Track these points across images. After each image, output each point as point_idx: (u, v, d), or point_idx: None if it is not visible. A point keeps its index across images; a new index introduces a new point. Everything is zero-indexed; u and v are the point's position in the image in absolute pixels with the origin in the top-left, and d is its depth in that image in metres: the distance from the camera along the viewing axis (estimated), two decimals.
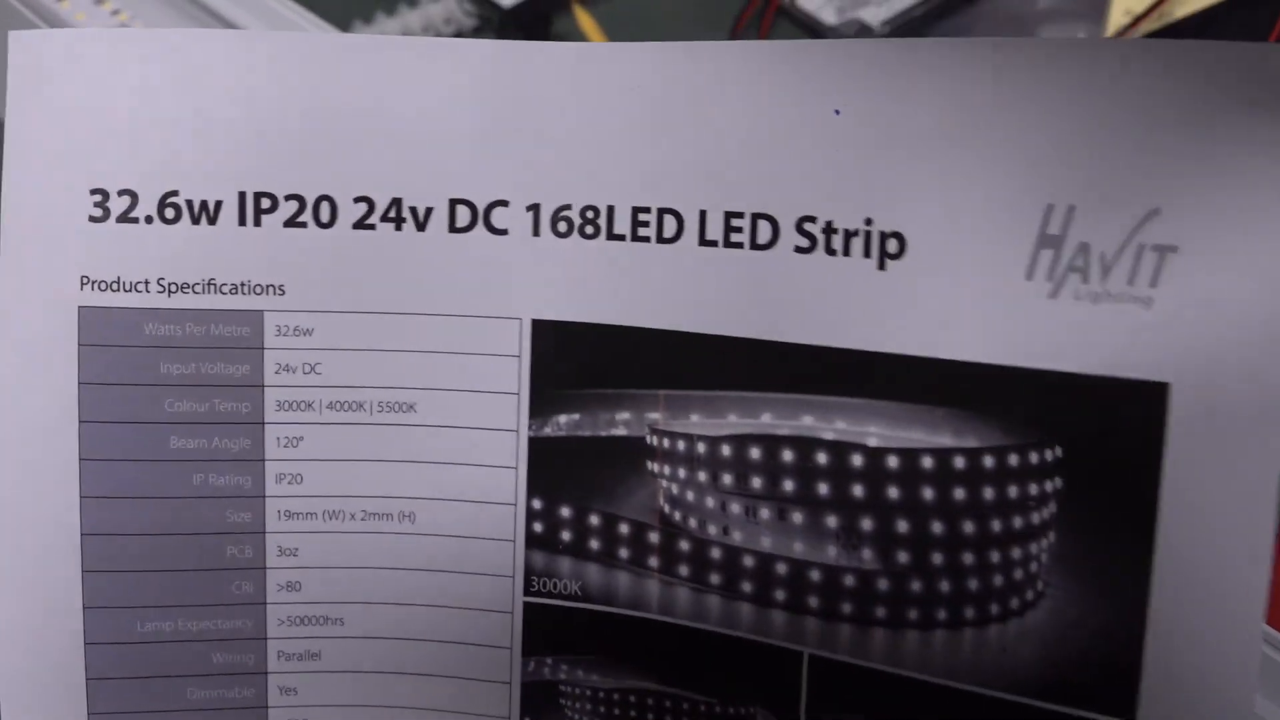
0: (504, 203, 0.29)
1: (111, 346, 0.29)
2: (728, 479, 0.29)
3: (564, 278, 0.29)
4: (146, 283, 0.29)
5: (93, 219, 0.29)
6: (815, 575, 0.28)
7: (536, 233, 0.29)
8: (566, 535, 0.30)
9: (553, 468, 0.30)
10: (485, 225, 0.29)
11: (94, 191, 0.29)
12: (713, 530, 0.29)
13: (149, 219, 0.29)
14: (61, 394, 0.29)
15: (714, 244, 0.28)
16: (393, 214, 0.29)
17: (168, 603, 0.30)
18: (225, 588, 0.30)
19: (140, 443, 0.29)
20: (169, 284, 0.29)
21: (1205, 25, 0.39)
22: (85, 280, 0.29)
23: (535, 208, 0.29)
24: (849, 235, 0.27)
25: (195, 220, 0.29)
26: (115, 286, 0.29)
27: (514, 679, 0.31)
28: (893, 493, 0.27)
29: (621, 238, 0.28)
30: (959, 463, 0.26)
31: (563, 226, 0.29)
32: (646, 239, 0.28)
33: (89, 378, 0.29)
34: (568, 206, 0.29)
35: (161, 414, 0.29)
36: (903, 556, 0.27)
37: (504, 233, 0.29)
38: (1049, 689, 0.26)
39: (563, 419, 0.30)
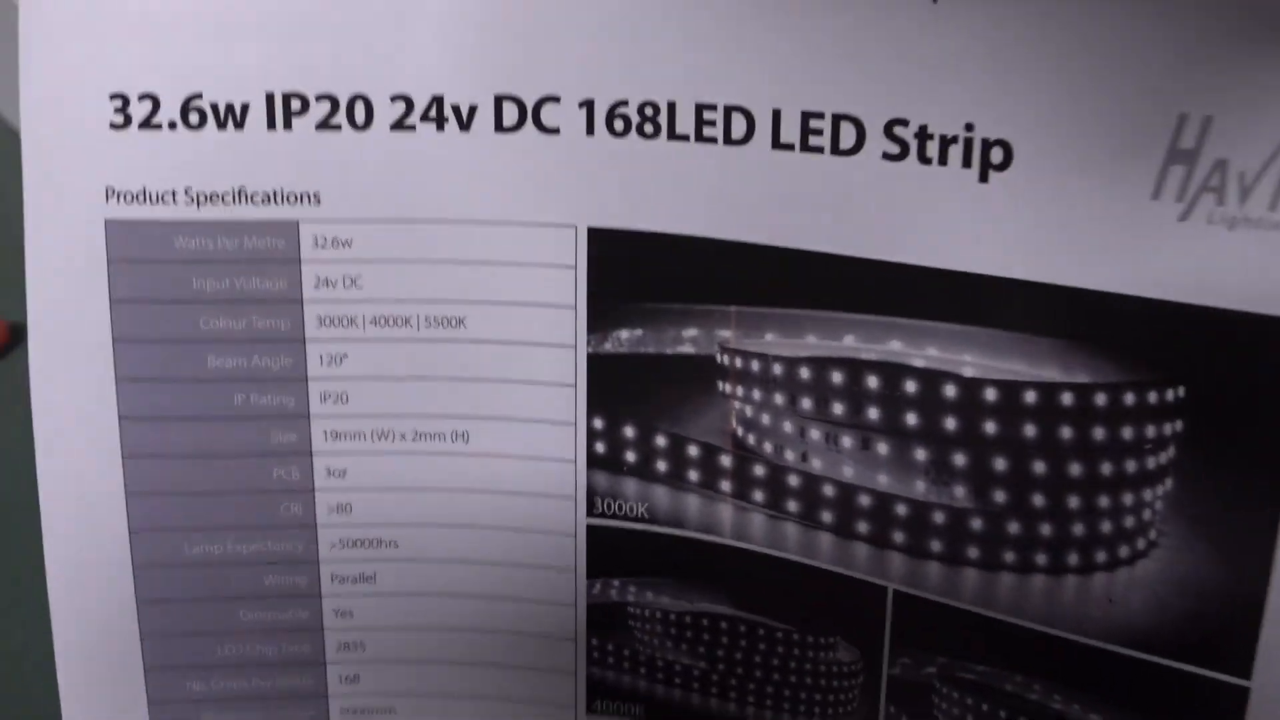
0: (554, 98, 0.27)
1: (141, 262, 0.28)
2: (807, 403, 0.27)
3: (622, 181, 0.27)
4: (173, 193, 0.28)
5: (114, 126, 0.28)
6: (902, 510, 0.27)
7: (591, 132, 0.27)
8: (631, 456, 0.29)
9: (615, 386, 0.29)
10: (535, 124, 0.27)
11: (114, 96, 0.27)
12: (790, 456, 0.28)
13: (172, 124, 0.27)
14: (95, 314, 0.28)
15: (789, 147, 0.26)
16: (433, 113, 0.28)
17: (215, 525, 0.30)
18: (274, 510, 0.30)
19: (177, 362, 0.29)
20: (197, 194, 0.28)
21: None
22: (110, 192, 0.28)
23: (589, 104, 0.27)
24: (946, 142, 0.25)
25: (221, 125, 0.27)
26: (141, 198, 0.28)
27: (579, 601, 0.30)
28: (989, 427, 0.26)
29: (685, 138, 0.27)
30: (1066, 399, 0.25)
31: (619, 125, 0.27)
32: (713, 140, 0.26)
33: (121, 295, 0.28)
34: (624, 103, 0.27)
35: (197, 332, 0.29)
36: (999, 496, 0.26)
37: (555, 132, 0.27)
38: (1158, 642, 0.25)
39: (624, 334, 0.28)
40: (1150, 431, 0.24)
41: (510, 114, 0.27)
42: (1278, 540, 0.23)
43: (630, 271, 0.28)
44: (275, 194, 0.28)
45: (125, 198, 0.28)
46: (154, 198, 0.28)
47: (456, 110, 0.27)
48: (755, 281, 0.27)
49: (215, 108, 0.27)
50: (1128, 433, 0.24)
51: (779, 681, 0.30)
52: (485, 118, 0.27)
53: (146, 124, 0.27)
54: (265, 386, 0.29)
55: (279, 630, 0.31)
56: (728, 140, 0.26)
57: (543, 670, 0.31)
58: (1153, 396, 0.24)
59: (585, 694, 0.31)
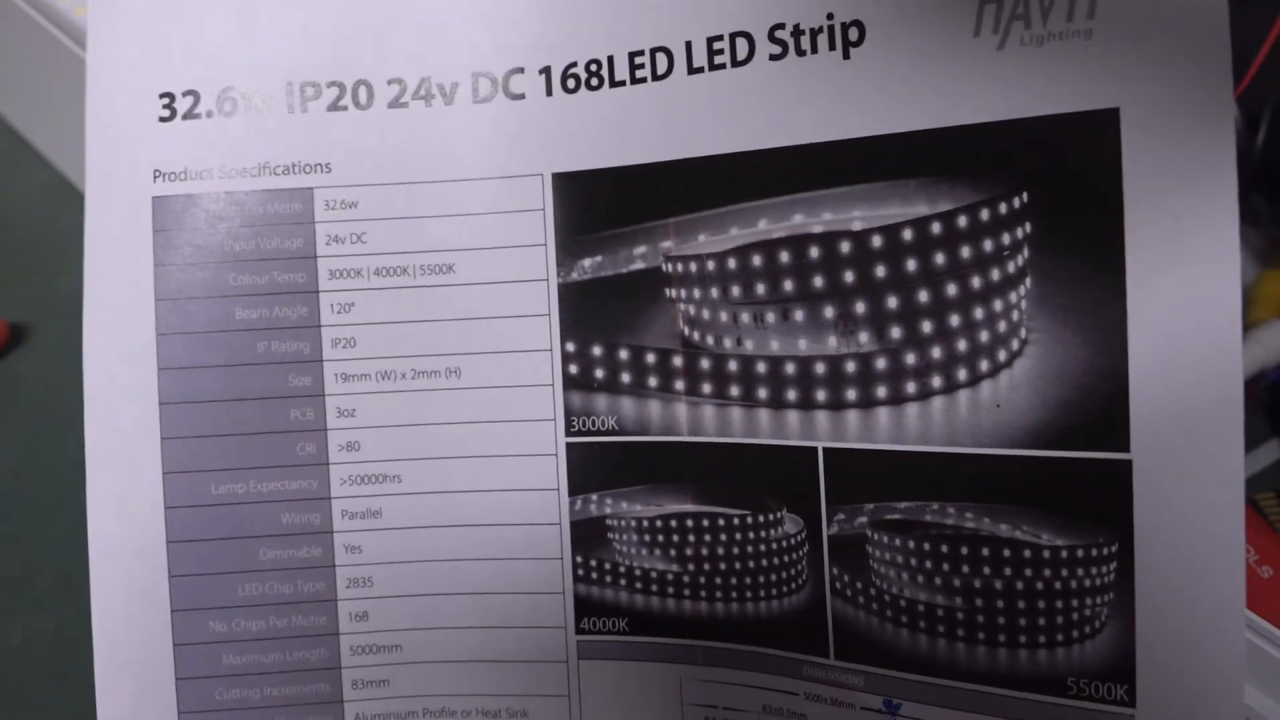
0: (520, 70, 0.34)
1: (181, 230, 0.36)
2: (736, 290, 0.33)
3: (577, 130, 0.34)
4: (210, 171, 0.35)
5: (162, 119, 0.35)
6: (820, 369, 0.32)
7: (550, 93, 0.34)
8: (600, 373, 0.34)
9: (582, 310, 0.34)
10: (505, 92, 0.35)
11: (162, 95, 0.35)
12: (728, 343, 0.33)
13: (210, 114, 0.35)
14: (140, 277, 0.35)
15: (701, 70, 0.33)
16: (422, 91, 0.35)
17: (239, 465, 0.35)
18: (291, 449, 0.36)
19: (209, 316, 0.35)
20: (229, 170, 0.35)
21: None
22: (157, 173, 0.35)
23: (546, 70, 0.34)
24: (814, 33, 0.31)
25: (250, 111, 0.35)
26: (183, 177, 0.35)
27: (563, 519, 0.35)
28: (880, 271, 0.31)
29: (622, 83, 0.34)
30: (935, 228, 0.30)
31: (571, 83, 0.34)
32: (643, 80, 0.33)
33: (163, 260, 0.35)
34: (574, 64, 0.34)
35: (227, 288, 0.35)
36: (895, 332, 0.31)
37: (521, 97, 0.34)
38: (1046, 436, 0.29)
39: (586, 262, 0.34)
40: (1006, 239, 0.29)
41: (485, 87, 0.35)
42: (1128, 312, 0.28)
43: (587, 206, 0.34)
44: (293, 166, 0.35)
45: (169, 177, 0.35)
46: (193, 175, 0.35)
47: (441, 88, 0.35)
48: (685, 192, 0.33)
49: (245, 96, 0.35)
50: (988, 245, 0.29)
51: (740, 570, 0.33)
52: (464, 92, 0.35)
53: (189, 115, 0.35)
54: (284, 334, 0.35)
55: (295, 568, 0.36)
56: (654, 77, 0.33)
57: (534, 593, 0.35)
58: (1002, 207, 0.29)
59: (574, 613, 0.35)
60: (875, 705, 0.31)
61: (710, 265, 0.32)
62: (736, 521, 0.32)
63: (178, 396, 0.35)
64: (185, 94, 0.35)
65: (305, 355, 0.35)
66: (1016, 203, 0.28)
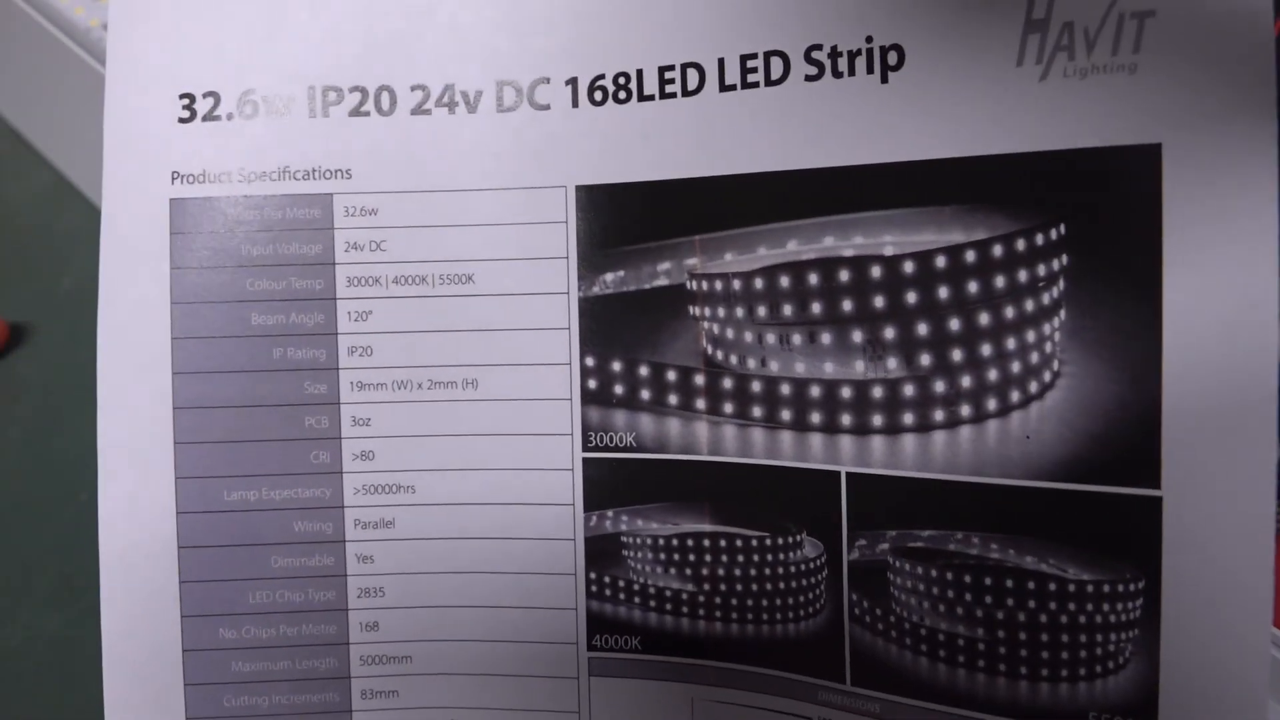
0: (545, 80, 0.34)
1: (198, 233, 0.35)
2: (762, 311, 0.33)
3: (602, 143, 0.34)
4: (229, 174, 0.35)
5: (181, 120, 0.35)
6: (846, 393, 0.32)
7: (575, 104, 0.34)
8: (619, 389, 0.34)
9: (602, 325, 0.34)
10: (529, 102, 0.34)
11: (182, 96, 0.35)
12: (752, 364, 0.33)
13: (230, 116, 0.35)
14: (156, 280, 0.35)
15: (733, 88, 0.32)
16: (446, 99, 0.35)
17: (252, 472, 0.35)
18: (304, 457, 0.35)
19: (225, 320, 0.35)
20: (248, 173, 0.35)
21: None
22: (175, 175, 0.35)
23: (573, 81, 0.34)
24: (852, 56, 0.31)
25: (270, 114, 0.35)
26: (201, 179, 0.35)
27: (577, 535, 0.35)
28: (911, 297, 0.31)
29: (651, 98, 0.33)
30: (970, 256, 0.30)
31: (598, 95, 0.34)
32: (673, 95, 0.33)
33: (179, 263, 0.35)
34: (601, 76, 0.34)
35: (244, 293, 0.35)
36: (925, 359, 0.31)
37: (546, 108, 0.34)
38: (1075, 469, 0.29)
39: (609, 277, 0.34)
40: (1041, 270, 0.29)
41: (509, 96, 0.34)
42: (1163, 347, 0.28)
43: (612, 220, 0.34)
44: (314, 171, 0.35)
45: (188, 179, 0.35)
46: (212, 178, 0.35)
47: (465, 95, 0.35)
48: (713, 210, 0.33)
49: (266, 100, 0.35)
50: (1023, 275, 0.29)
51: (757, 592, 0.33)
52: (489, 100, 0.35)
53: (209, 117, 0.35)
54: (301, 341, 0.35)
55: (306, 577, 0.35)
56: (685, 93, 0.33)
57: (547, 609, 0.35)
58: (1039, 238, 0.29)
59: (586, 629, 0.35)
60: None
61: (736, 284, 0.32)
62: (755, 543, 0.32)
63: (192, 401, 0.34)
64: (206, 95, 0.34)
65: (321, 362, 0.35)
66: (1054, 234, 0.28)
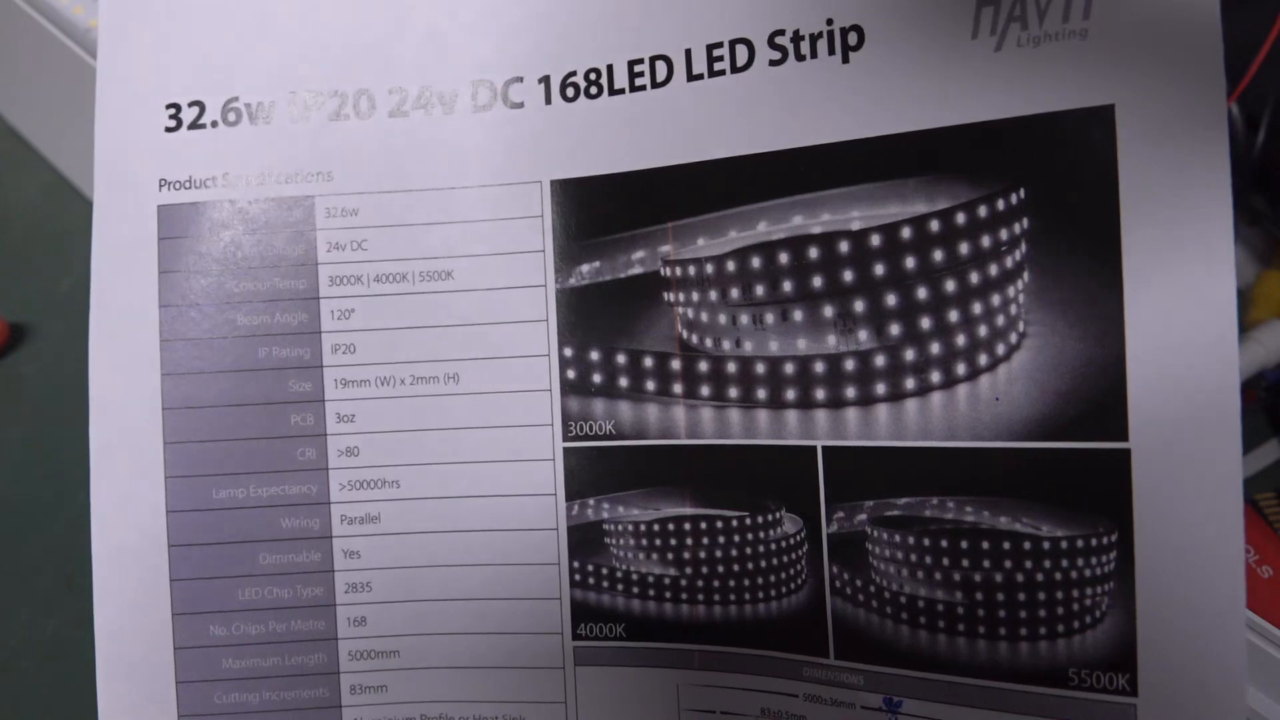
0: (519, 79, 0.35)
1: (185, 238, 0.36)
2: (735, 292, 0.33)
3: (576, 137, 0.34)
4: (214, 179, 0.36)
5: (168, 129, 0.36)
6: (819, 367, 0.32)
7: (549, 101, 0.35)
8: (597, 377, 0.35)
9: (580, 316, 0.35)
10: (504, 101, 0.35)
11: (169, 105, 0.36)
12: (727, 345, 0.33)
13: (214, 124, 0.36)
14: (145, 284, 0.36)
15: (700, 77, 0.33)
16: (423, 100, 0.36)
17: (239, 470, 0.36)
18: (290, 454, 0.36)
19: (212, 322, 0.36)
20: (233, 178, 0.36)
21: None
22: (163, 182, 0.36)
23: (546, 79, 0.35)
24: (814, 39, 0.32)
25: (253, 120, 0.36)
26: (187, 185, 0.36)
27: (560, 524, 0.35)
28: (879, 270, 0.31)
29: (621, 91, 0.34)
30: (934, 226, 0.31)
31: (570, 92, 0.35)
32: (643, 87, 0.34)
33: (167, 267, 0.36)
34: (573, 73, 0.35)
35: (230, 295, 0.36)
36: (894, 329, 0.31)
37: (520, 105, 0.35)
38: (1045, 428, 0.29)
39: (585, 268, 0.35)
40: (1004, 234, 0.30)
41: (484, 95, 0.35)
42: (1124, 304, 0.29)
43: (587, 212, 0.34)
44: (296, 174, 0.36)
45: (174, 186, 0.36)
46: (197, 183, 0.36)
47: (441, 96, 0.36)
48: (685, 197, 0.34)
49: (249, 106, 0.36)
50: (986, 241, 0.30)
51: (739, 572, 0.34)
52: (464, 101, 0.36)
53: (194, 125, 0.36)
54: (285, 340, 0.36)
55: (295, 573, 0.36)
56: (654, 84, 0.34)
57: (531, 599, 0.35)
58: (1000, 204, 0.30)
59: (571, 619, 0.35)
60: (876, 704, 0.32)
61: (709, 268, 0.33)
62: (735, 523, 0.33)
63: (180, 402, 0.35)
64: (191, 104, 0.35)
65: (306, 361, 0.35)
66: (1014, 199, 0.29)
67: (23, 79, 0.60)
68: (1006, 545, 0.29)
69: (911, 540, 0.31)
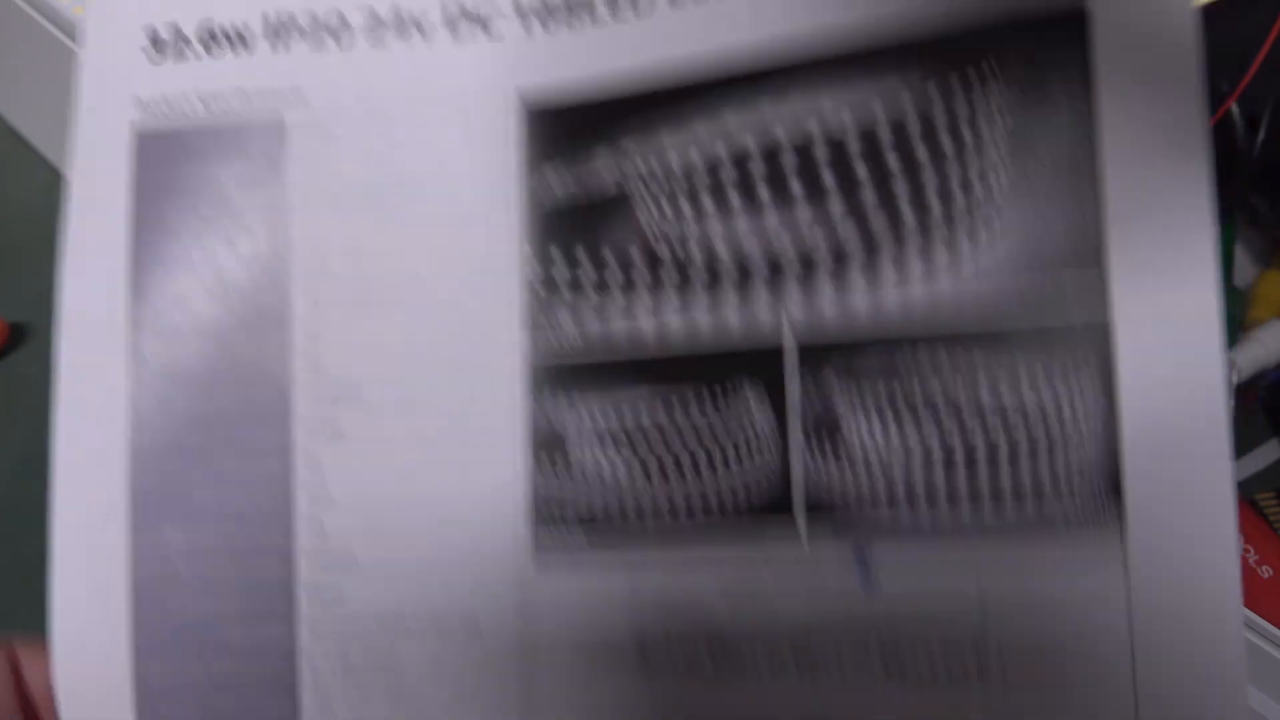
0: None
1: (160, 165, 0.37)
2: (701, 181, 0.33)
3: (548, 57, 0.35)
4: (188, 100, 0.37)
5: (144, 51, 0.37)
6: (789, 242, 0.32)
7: (523, 19, 0.36)
8: (566, 293, 0.35)
9: (549, 229, 0.35)
10: (478, 24, 0.36)
11: (145, 27, 0.37)
12: (694, 242, 0.33)
13: (192, 48, 0.37)
14: (117, 211, 0.36)
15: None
16: (397, 24, 0.36)
17: (208, 378, 0.36)
18: (257, 371, 0.36)
19: (184, 246, 0.36)
20: (208, 100, 0.37)
21: (1205, 25, 0.46)
22: (139, 103, 0.37)
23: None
24: None
25: (231, 46, 0.37)
26: (164, 110, 0.37)
27: (519, 423, 0.35)
28: (851, 144, 0.31)
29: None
30: (906, 98, 0.31)
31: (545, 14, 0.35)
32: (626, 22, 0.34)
33: (143, 192, 0.37)
34: None
35: (201, 216, 0.36)
36: (867, 198, 0.31)
37: (488, 22, 0.36)
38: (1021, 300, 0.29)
39: (554, 179, 0.35)
40: (980, 110, 0.30)
41: (458, 18, 0.36)
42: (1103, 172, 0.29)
43: (555, 124, 0.35)
44: (269, 92, 0.36)
45: (150, 108, 0.37)
46: (173, 109, 0.37)
47: (414, 19, 0.36)
48: (651, 99, 0.34)
49: (224, 30, 0.37)
50: (963, 111, 0.30)
51: (700, 442, 0.33)
52: (437, 21, 0.36)
53: (172, 48, 0.37)
54: (254, 262, 0.36)
55: (253, 479, 0.36)
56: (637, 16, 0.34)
57: (491, 503, 0.35)
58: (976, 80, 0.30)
59: (531, 523, 0.34)
60: (844, 557, 0.30)
61: (674, 160, 0.33)
62: (692, 395, 0.32)
63: (153, 323, 0.36)
64: (166, 26, 0.37)
65: (277, 277, 0.36)
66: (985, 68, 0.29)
67: (22, 79, 0.62)
68: (984, 389, 0.29)
69: (881, 387, 0.30)
